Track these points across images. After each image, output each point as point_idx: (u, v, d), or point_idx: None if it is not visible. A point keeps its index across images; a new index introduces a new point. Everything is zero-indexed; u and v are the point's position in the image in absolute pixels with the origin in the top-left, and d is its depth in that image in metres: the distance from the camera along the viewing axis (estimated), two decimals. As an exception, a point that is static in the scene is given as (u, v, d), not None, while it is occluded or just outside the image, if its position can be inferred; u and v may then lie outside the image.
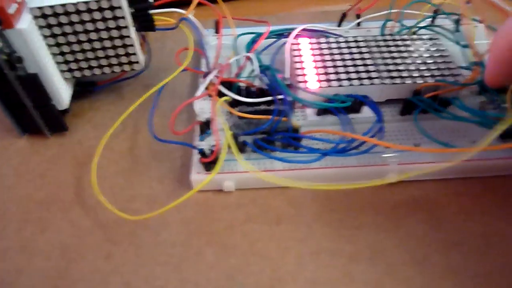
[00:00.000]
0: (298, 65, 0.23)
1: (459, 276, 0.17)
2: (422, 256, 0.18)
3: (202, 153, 0.20)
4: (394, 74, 0.22)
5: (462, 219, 0.19)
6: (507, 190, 0.20)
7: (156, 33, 0.25)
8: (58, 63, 0.23)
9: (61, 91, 0.23)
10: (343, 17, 0.28)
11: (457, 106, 0.21)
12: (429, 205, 0.20)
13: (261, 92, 0.22)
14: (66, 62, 0.23)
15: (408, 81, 0.22)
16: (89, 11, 0.21)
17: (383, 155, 0.20)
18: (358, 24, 0.28)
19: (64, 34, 0.22)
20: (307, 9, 0.33)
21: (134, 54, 0.23)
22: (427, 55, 0.23)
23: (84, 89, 0.26)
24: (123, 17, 0.22)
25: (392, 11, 0.26)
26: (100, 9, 0.21)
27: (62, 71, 0.23)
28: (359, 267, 0.18)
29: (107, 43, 0.23)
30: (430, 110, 0.21)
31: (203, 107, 0.23)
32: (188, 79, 0.27)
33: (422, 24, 0.27)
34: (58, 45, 0.22)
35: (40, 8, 0.21)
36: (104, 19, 0.22)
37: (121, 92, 0.26)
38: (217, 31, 0.27)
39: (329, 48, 0.24)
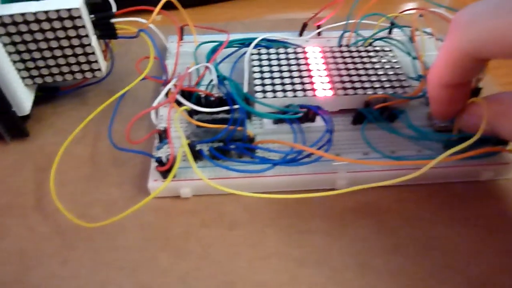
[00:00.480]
0: (255, 75, 0.24)
1: (398, 279, 0.18)
2: (364, 260, 0.19)
3: (159, 161, 0.20)
4: (347, 85, 0.23)
5: (403, 224, 0.20)
6: (446, 196, 0.22)
7: (122, 39, 0.25)
8: (18, 70, 0.23)
9: (22, 97, 0.23)
10: (304, 26, 0.29)
11: (401, 121, 0.22)
12: (374, 210, 0.21)
13: (220, 101, 0.23)
14: (27, 69, 0.23)
15: (360, 92, 0.23)
16: (49, 20, 0.21)
17: (333, 164, 0.22)
18: (319, 33, 0.29)
19: (24, 42, 0.22)
20: (273, 16, 0.34)
21: (95, 61, 0.24)
22: (379, 66, 0.25)
23: (47, 94, 0.26)
24: (83, 26, 0.22)
25: (350, 21, 0.27)
26: (60, 19, 0.22)
27: (23, 78, 0.23)
28: (305, 270, 0.19)
29: (68, 51, 0.23)
30: (376, 122, 0.22)
31: (163, 115, 0.23)
32: (151, 85, 0.27)
33: (378, 36, 0.28)
34: (18, 52, 0.22)
35: (-1, 17, 0.21)
36: (64, 28, 0.22)
37: (85, 97, 0.27)
38: (180, 38, 0.28)
39: (287, 59, 0.25)
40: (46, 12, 0.21)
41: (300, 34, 0.29)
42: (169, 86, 0.22)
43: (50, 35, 0.22)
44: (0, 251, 0.19)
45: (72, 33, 0.22)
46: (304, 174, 0.21)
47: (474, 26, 0.15)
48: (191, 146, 0.21)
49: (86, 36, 0.22)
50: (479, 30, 0.15)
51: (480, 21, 0.15)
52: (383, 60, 0.25)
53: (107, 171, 0.23)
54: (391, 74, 0.24)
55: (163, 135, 0.22)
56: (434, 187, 0.22)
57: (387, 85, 0.23)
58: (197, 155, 0.21)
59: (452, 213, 0.21)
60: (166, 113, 0.23)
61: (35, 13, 0.21)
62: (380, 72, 0.24)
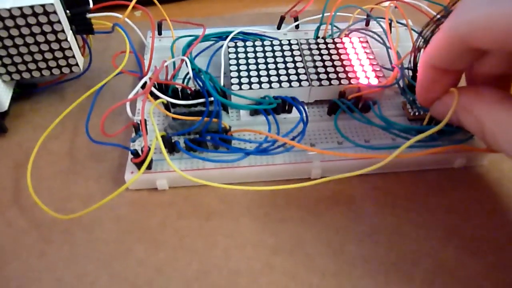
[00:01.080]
0: (232, 68, 0.24)
1: (370, 264, 0.19)
2: (338, 246, 0.19)
3: (134, 153, 0.20)
4: (322, 76, 0.24)
5: (377, 211, 0.21)
6: (419, 183, 0.22)
7: (100, 34, 0.25)
8: (-6, 66, 0.23)
9: (0, 94, 0.23)
10: (282, 19, 0.29)
11: (373, 111, 0.22)
12: (348, 199, 0.21)
13: (197, 94, 0.23)
14: (4, 65, 0.23)
15: (334, 83, 0.23)
16: (23, 15, 0.22)
17: (308, 153, 0.22)
18: (296, 26, 0.30)
19: (0, 38, 0.22)
20: (251, 11, 0.34)
21: (72, 57, 0.24)
22: (354, 57, 0.25)
23: (25, 90, 0.26)
24: (58, 21, 0.22)
25: (326, 14, 0.28)
26: (35, 14, 0.22)
27: (0, 74, 0.24)
28: (279, 258, 0.19)
29: (44, 47, 0.23)
30: (349, 112, 0.22)
31: (139, 109, 0.24)
32: (130, 80, 0.27)
33: (354, 27, 0.28)
34: (-7, 48, 0.22)
35: (-28, 13, 0.21)
36: (39, 24, 0.22)
37: (63, 93, 0.27)
38: (159, 33, 0.28)
39: (263, 51, 0.25)
40: (20, 8, 0.21)
41: (278, 28, 0.30)
42: (145, 79, 0.22)
43: (25, 31, 0.22)
44: (-23, 246, 0.20)
45: (47, 28, 0.22)
46: (279, 164, 0.21)
47: (471, 10, 0.15)
48: (167, 138, 0.21)
49: (62, 31, 0.23)
50: (475, 15, 0.15)
51: (478, 6, 0.15)
52: (359, 52, 0.25)
53: (85, 165, 0.23)
54: (365, 65, 0.24)
55: (138, 128, 0.22)
56: (408, 175, 0.22)
57: (361, 75, 0.24)
58: (173, 147, 0.21)
59: (426, 200, 0.21)
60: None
61: (9, 9, 0.21)
62: (355, 63, 0.24)
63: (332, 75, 0.24)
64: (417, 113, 0.24)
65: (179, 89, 0.23)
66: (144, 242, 0.20)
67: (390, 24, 0.28)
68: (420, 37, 0.23)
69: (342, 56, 0.25)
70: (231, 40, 0.26)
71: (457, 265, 0.19)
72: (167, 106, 0.23)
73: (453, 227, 0.20)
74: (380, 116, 0.22)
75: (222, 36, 0.27)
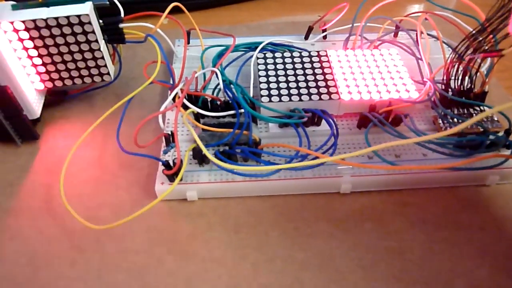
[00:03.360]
0: (261, 79, 0.24)
1: (402, 283, 0.19)
2: (368, 263, 0.19)
3: (166, 164, 0.21)
4: (352, 89, 0.23)
5: (407, 228, 0.20)
6: (451, 200, 0.22)
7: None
8: (29, 74, 0.23)
9: (32, 101, 0.24)
10: (310, 30, 0.29)
11: (406, 125, 0.22)
12: (377, 214, 0.21)
13: (226, 106, 0.23)
14: (38, 73, 0.24)
15: (365, 96, 0.23)
16: (59, 25, 0.22)
17: (338, 167, 0.22)
18: (324, 37, 0.29)
19: (35, 47, 0.22)
20: (278, 19, 0.34)
21: (104, 66, 0.24)
22: (384, 70, 0.25)
23: (56, 98, 0.27)
24: (92, 32, 0.23)
25: (355, 24, 0.27)
26: (70, 24, 0.22)
27: (33, 82, 0.24)
28: (308, 273, 0.19)
29: (77, 56, 0.23)
30: (380, 125, 0.22)
31: (169, 119, 0.24)
32: (158, 88, 0.27)
33: (384, 39, 0.28)
34: (29, 57, 0.23)
35: (11, 22, 0.21)
36: (73, 33, 0.22)
37: (93, 101, 0.27)
38: (187, 42, 0.28)
39: (293, 63, 0.25)
40: (56, 18, 0.22)
41: (306, 38, 0.29)
42: (176, 90, 0.22)
43: (60, 40, 0.23)
44: (10, 252, 0.20)
45: (81, 38, 0.23)
46: (308, 178, 0.21)
47: None
48: (197, 150, 0.21)
49: (95, 41, 0.23)
50: None
51: None
52: (388, 64, 0.25)
53: (115, 174, 0.23)
54: (396, 78, 0.24)
55: (170, 139, 0.22)
56: (439, 191, 0.22)
57: (392, 89, 0.23)
58: (203, 159, 0.21)
59: (457, 217, 0.21)
60: (173, 117, 0.24)
61: (45, 19, 0.22)
62: (385, 76, 0.24)
63: (362, 88, 0.24)
64: (448, 128, 0.23)
65: (209, 100, 0.23)
66: (174, 253, 0.20)
67: (416, 36, 0.28)
68: (454, 52, 0.22)
69: (372, 69, 0.25)
70: (260, 51, 0.26)
71: (491, 286, 0.18)
72: (196, 116, 0.23)
73: (487, 246, 0.20)
74: (415, 130, 0.21)
75: (251, 47, 0.27)
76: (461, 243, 0.20)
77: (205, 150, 0.19)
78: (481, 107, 0.24)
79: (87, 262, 0.19)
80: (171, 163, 0.21)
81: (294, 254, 0.20)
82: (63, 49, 0.23)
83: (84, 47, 0.23)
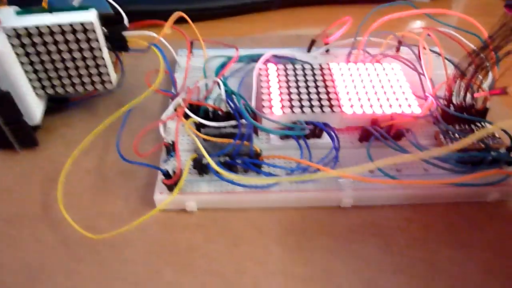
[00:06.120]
0: (263, 91, 0.24)
1: (403, 300, 0.18)
2: (370, 279, 0.19)
3: (165, 174, 0.20)
4: (354, 102, 0.23)
5: (410, 244, 0.20)
6: (452, 217, 0.21)
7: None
8: (30, 80, 0.23)
9: (33, 107, 0.24)
10: (312, 43, 0.29)
11: (407, 140, 0.22)
12: (380, 230, 0.21)
13: (227, 116, 0.23)
14: (39, 79, 0.23)
15: (367, 110, 0.23)
16: (63, 32, 0.22)
17: (339, 180, 0.22)
18: (327, 50, 0.30)
19: (38, 53, 0.22)
20: (281, 32, 0.34)
21: (106, 73, 0.24)
22: (387, 84, 0.25)
23: (57, 105, 0.26)
24: (96, 39, 0.22)
25: (358, 38, 0.28)
26: (73, 31, 0.22)
27: (34, 88, 0.24)
28: (310, 289, 0.19)
29: (80, 63, 0.23)
30: (382, 139, 0.22)
31: (170, 128, 0.24)
32: (160, 98, 0.27)
33: (386, 53, 0.28)
34: (31, 63, 0.23)
35: (14, 29, 0.21)
36: (77, 41, 0.22)
37: (94, 109, 0.27)
38: (190, 52, 0.28)
39: (295, 75, 0.25)
40: (60, 25, 0.22)
41: (309, 51, 0.30)
42: (178, 99, 0.22)
43: (63, 47, 0.22)
44: (7, 260, 0.20)
45: (84, 45, 0.23)
46: (310, 191, 0.21)
47: None
48: (198, 160, 0.21)
49: (99, 48, 0.23)
50: None
51: None
52: (391, 78, 0.25)
53: (114, 183, 0.23)
54: (398, 92, 0.24)
55: (170, 149, 0.22)
56: (440, 207, 0.22)
57: (394, 103, 0.24)
58: (204, 169, 0.21)
59: (460, 234, 0.21)
60: (174, 126, 0.23)
61: (49, 26, 0.22)
62: (388, 90, 0.24)
63: (364, 102, 0.23)
64: (450, 143, 0.23)
65: (210, 111, 0.23)
66: (173, 265, 0.19)
67: (419, 52, 0.28)
68: (457, 68, 0.22)
69: (374, 83, 0.25)
70: (263, 62, 0.26)
71: (494, 306, 0.18)
72: (197, 126, 0.23)
73: (491, 264, 0.20)
74: (417, 145, 0.21)
75: (253, 58, 0.27)
76: (464, 261, 0.20)
77: (208, 158, 0.19)
78: (483, 123, 0.24)
79: (84, 272, 0.19)
80: (171, 173, 0.20)
81: (295, 269, 0.19)
82: (65, 55, 0.23)
83: (87, 54, 0.23)
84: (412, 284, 0.19)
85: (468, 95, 0.23)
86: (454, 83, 0.23)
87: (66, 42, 0.22)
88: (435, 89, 0.24)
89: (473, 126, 0.24)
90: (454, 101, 0.24)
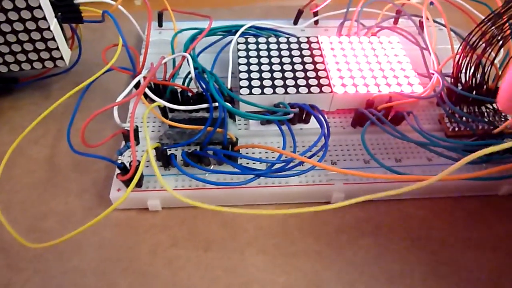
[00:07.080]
0: (241, 68, 0.20)
1: (401, 314, 0.16)
2: (362, 289, 0.16)
3: (121, 168, 0.17)
4: (347, 81, 0.20)
5: (408, 246, 0.17)
6: (459, 212, 0.19)
7: (94, 24, 0.22)
8: (-34, 57, 0.20)
9: (-29, 89, 0.20)
10: (299, 13, 0.26)
11: (409, 124, 0.19)
12: (375, 229, 0.18)
13: (199, 98, 0.20)
14: (-24, 56, 0.20)
15: (361, 90, 0.20)
16: (-1, -1, 0.18)
17: (328, 173, 0.18)
18: (316, 22, 0.26)
19: (-29, 25, 0.19)
20: (264, 3, 0.30)
21: (56, 49, 0.21)
22: (384, 60, 0.21)
23: (4, 86, 0.23)
24: (39, 7, 0.19)
25: (351, 9, 0.24)
26: (11, -2, 0.18)
27: (-28, 67, 0.20)
28: (291, 302, 0.16)
29: (23, 36, 0.20)
30: (379, 124, 0.19)
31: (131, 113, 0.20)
32: (124, 77, 0.24)
33: (383, 25, 0.24)
34: (-36, 37, 0.19)
35: None
36: (16, 9, 0.19)
37: (48, 90, 0.24)
38: (159, 25, 0.25)
39: (278, 50, 0.22)
40: (-7, -11, 0.18)
41: (295, 23, 0.26)
42: (139, 77, 0.19)
43: (1, 17, 0.19)
44: None
45: (26, 15, 0.19)
46: (294, 185, 0.18)
47: None
48: (161, 150, 0.17)
49: (43, 18, 0.19)
50: None
51: None
52: (388, 53, 0.22)
53: (66, 177, 0.20)
54: (397, 69, 0.21)
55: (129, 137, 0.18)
56: (445, 202, 0.19)
57: (392, 82, 0.20)
58: (168, 161, 0.18)
59: (467, 233, 0.18)
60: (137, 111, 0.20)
61: (-20, -9, 0.18)
62: (385, 67, 0.21)
63: (358, 81, 0.20)
64: (457, 129, 0.20)
65: (179, 91, 0.20)
66: (130, 274, 0.16)
67: (420, 23, 0.25)
68: (465, 42, 0.19)
69: (369, 59, 0.21)
70: (241, 35, 0.23)
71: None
72: (164, 111, 0.20)
73: (501, 267, 0.17)
74: (419, 130, 0.18)
75: (231, 31, 0.24)
76: (470, 265, 0.17)
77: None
78: (494, 105, 0.21)
79: (25, 284, 0.16)
80: (128, 166, 0.17)
81: (275, 278, 0.16)
82: (5, 27, 0.19)
83: (30, 25, 0.19)
84: (412, 295, 0.16)
85: (479, 73, 0.20)
86: (464, 57, 0.20)
87: (4, 11, 0.19)
88: (440, 65, 0.21)
89: (483, 108, 0.21)
90: (462, 79, 0.21)
